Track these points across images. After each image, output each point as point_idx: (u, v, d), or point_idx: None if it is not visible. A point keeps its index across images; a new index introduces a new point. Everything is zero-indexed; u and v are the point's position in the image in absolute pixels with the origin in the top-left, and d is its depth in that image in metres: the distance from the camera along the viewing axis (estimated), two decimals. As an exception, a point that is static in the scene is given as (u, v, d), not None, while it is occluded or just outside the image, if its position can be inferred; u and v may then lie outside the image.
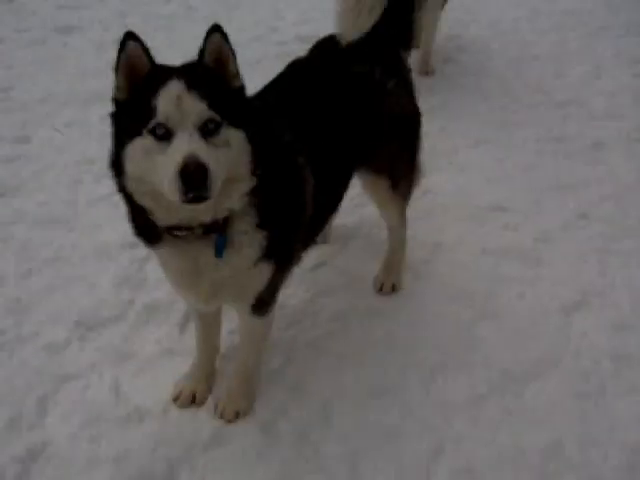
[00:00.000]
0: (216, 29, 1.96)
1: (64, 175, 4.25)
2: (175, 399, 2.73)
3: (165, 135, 1.88)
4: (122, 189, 2.06)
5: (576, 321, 3.15)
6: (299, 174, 2.38)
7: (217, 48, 1.98)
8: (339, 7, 3.05)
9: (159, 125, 1.88)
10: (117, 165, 2.01)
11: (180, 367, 2.84)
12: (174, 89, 1.88)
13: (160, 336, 3.04)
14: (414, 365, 2.91)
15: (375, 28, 3.02)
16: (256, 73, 5.23)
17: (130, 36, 1.94)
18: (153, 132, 1.89)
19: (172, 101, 1.87)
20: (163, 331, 3.06)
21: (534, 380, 2.84)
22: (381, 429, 2.64)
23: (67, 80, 5.47)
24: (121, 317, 3.13)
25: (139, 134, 1.91)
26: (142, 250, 3.29)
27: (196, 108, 1.88)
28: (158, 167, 1.89)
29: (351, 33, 2.95)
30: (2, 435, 2.60)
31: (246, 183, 2.06)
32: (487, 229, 3.78)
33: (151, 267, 3.36)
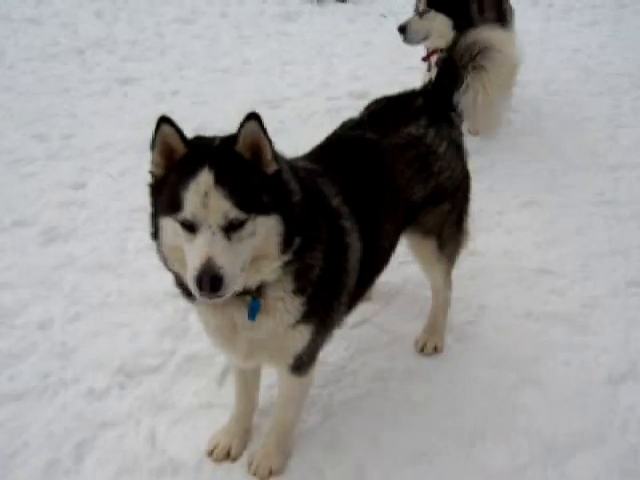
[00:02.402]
0: (252, 117, 1.97)
1: (116, 222, 4.35)
2: (210, 453, 2.72)
3: (192, 227, 1.94)
4: (159, 251, 2.14)
5: (623, 393, 3.05)
6: (342, 240, 2.39)
7: (252, 136, 1.99)
8: (471, 106, 3.05)
9: (186, 219, 1.94)
10: (154, 229, 2.10)
11: (217, 420, 2.84)
12: (203, 184, 1.92)
13: (199, 388, 3.05)
14: (453, 430, 2.85)
15: (429, 92, 3.06)
16: (307, 127, 5.41)
17: (164, 120, 1.99)
18: (181, 222, 1.95)
19: (199, 198, 1.91)
20: (202, 383, 3.08)
21: (577, 453, 2.74)
22: (416, 496, 2.58)
23: (125, 129, 5.64)
24: (162, 367, 3.16)
25: (170, 216, 1.98)
26: (186, 300, 3.33)
27: (222, 208, 1.91)
28: (185, 250, 1.98)
29: (489, 131, 2.98)
30: (39, 478, 2.62)
31: (275, 261, 2.09)
32: (533, 293, 3.71)
33: (194, 318, 3.36)
